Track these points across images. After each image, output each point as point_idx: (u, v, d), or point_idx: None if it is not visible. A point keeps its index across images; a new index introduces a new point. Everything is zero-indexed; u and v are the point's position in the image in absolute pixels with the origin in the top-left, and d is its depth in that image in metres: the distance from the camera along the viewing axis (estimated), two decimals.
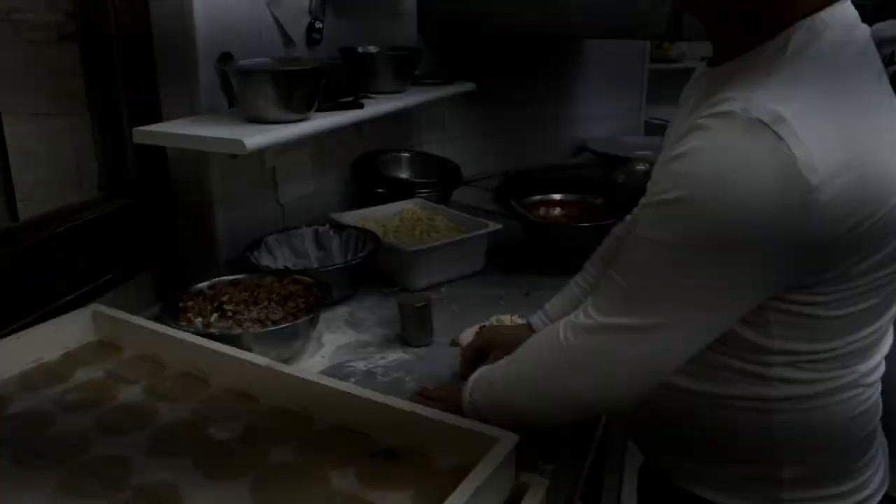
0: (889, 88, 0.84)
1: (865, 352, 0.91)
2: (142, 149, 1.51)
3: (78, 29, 1.51)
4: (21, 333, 1.19)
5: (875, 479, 1.01)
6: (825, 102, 0.76)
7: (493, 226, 1.79)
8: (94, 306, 1.29)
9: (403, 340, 1.44)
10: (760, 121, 0.72)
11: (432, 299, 1.46)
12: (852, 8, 0.84)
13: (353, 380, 1.29)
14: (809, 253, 0.77)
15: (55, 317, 1.25)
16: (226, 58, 1.60)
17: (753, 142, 0.72)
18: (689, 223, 0.77)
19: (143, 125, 1.47)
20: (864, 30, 0.84)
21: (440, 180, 2.24)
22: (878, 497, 1.02)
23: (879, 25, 3.31)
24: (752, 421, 0.92)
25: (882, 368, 0.96)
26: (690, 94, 1.03)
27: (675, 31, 1.98)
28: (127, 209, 1.57)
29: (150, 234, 1.62)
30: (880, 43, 3.41)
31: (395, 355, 1.40)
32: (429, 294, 1.56)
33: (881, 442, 1.04)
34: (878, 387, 0.96)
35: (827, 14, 0.81)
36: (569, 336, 0.91)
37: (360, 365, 1.36)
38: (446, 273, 1.72)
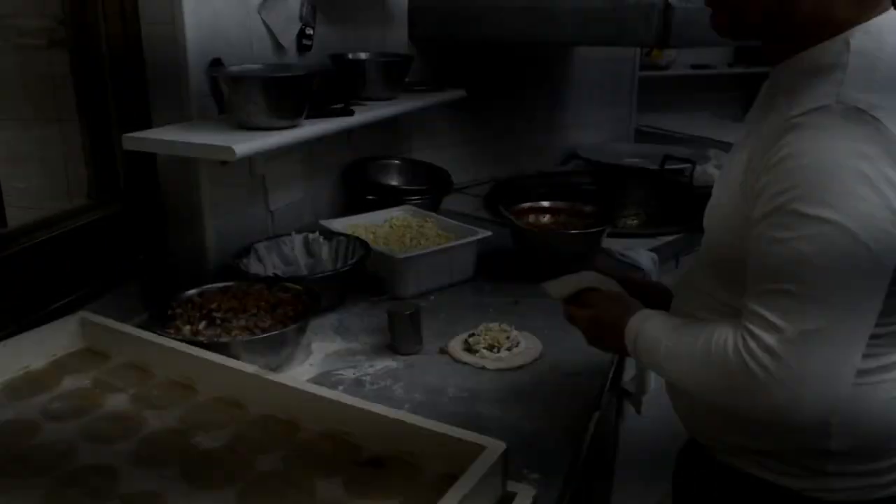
0: None
1: None
2: (131, 155, 1.51)
3: (68, 35, 1.51)
4: (8, 341, 1.19)
5: None
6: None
7: (483, 233, 1.79)
8: (82, 314, 1.28)
9: (392, 348, 1.44)
10: (862, 110, 0.81)
11: (421, 307, 1.46)
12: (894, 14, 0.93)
13: (341, 388, 1.29)
14: None
15: (42, 324, 1.25)
16: (216, 64, 1.60)
17: (852, 129, 0.81)
18: (814, 201, 0.82)
19: (132, 131, 1.47)
20: None
21: (430, 187, 2.24)
22: None
23: None
24: None
25: None
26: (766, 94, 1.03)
27: (664, 39, 1.99)
28: (116, 216, 1.57)
29: (139, 241, 1.62)
30: None
31: (384, 363, 1.40)
32: (418, 302, 1.57)
33: None
34: None
35: (879, 20, 0.90)
36: (759, 360, 0.85)
37: (349, 373, 1.36)
38: (436, 280, 1.72)
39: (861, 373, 0.89)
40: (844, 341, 0.84)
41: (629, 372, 1.74)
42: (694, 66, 3.83)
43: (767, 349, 0.84)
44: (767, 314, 0.85)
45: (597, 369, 1.38)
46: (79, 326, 1.27)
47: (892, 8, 0.94)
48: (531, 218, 1.97)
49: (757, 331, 0.86)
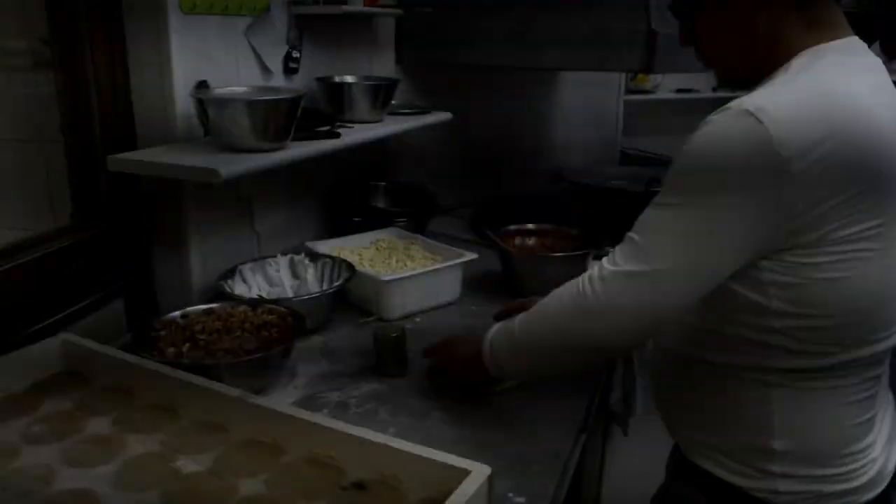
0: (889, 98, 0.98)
1: (862, 338, 0.98)
2: (116, 176, 1.50)
3: (53, 56, 1.51)
4: None
5: (871, 470, 1.04)
6: (806, 97, 0.92)
7: (469, 255, 1.79)
8: (64, 336, 1.27)
9: (378, 370, 1.43)
10: (748, 111, 0.89)
11: (408, 329, 1.46)
12: (857, 41, 1.02)
13: (326, 411, 1.28)
14: (788, 214, 0.90)
15: (23, 346, 1.23)
16: (202, 86, 1.60)
17: (736, 124, 0.90)
18: (687, 184, 0.95)
19: (117, 153, 1.47)
20: (868, 56, 1.02)
21: (416, 209, 2.24)
22: (875, 490, 1.05)
23: None
24: (752, 391, 1.02)
25: (884, 368, 1.04)
26: None
27: (648, 65, 2.01)
28: (99, 237, 1.56)
29: (123, 263, 1.61)
30: None
31: (370, 386, 1.39)
32: (404, 324, 1.56)
33: (885, 435, 1.08)
34: (881, 383, 1.04)
35: (832, 44, 0.99)
36: (587, 286, 1.03)
37: (334, 396, 1.35)
38: (422, 302, 1.72)
39: (803, 372, 0.99)
40: (661, 293, 0.98)
41: (616, 393, 1.74)
42: (679, 91, 3.88)
43: (601, 277, 1.02)
44: (615, 252, 1.02)
45: (583, 391, 1.38)
46: (60, 348, 1.25)
47: (853, 35, 1.02)
48: (517, 240, 1.97)
49: (602, 262, 1.04)
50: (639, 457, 1.21)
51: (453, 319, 1.70)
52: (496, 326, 1.24)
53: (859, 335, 0.98)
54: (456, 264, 1.77)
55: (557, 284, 1.32)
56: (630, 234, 1.01)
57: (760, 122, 0.88)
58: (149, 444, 1.05)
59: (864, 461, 1.04)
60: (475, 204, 2.58)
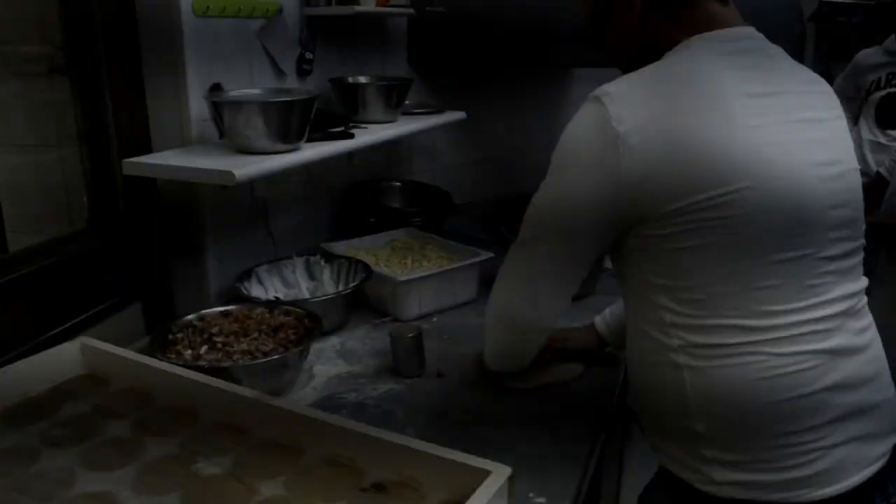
0: (763, 86, 1.01)
1: (751, 309, 0.97)
2: (132, 180, 1.51)
3: (69, 62, 1.52)
4: (8, 367, 1.18)
5: (825, 459, 0.98)
6: (649, 85, 1.00)
7: (485, 254, 1.79)
8: (82, 339, 1.27)
9: (395, 371, 1.43)
10: (596, 96, 1.01)
11: (424, 329, 1.45)
12: (739, 30, 1.06)
13: (344, 411, 1.28)
14: (627, 187, 0.97)
15: (43, 350, 1.23)
16: (216, 89, 1.60)
17: (587, 107, 1.02)
18: (553, 162, 1.08)
19: (133, 156, 1.47)
20: (745, 41, 1.06)
21: (431, 209, 2.24)
22: (839, 483, 0.98)
23: (863, 53, 3.36)
24: (669, 377, 1.03)
25: (799, 347, 0.98)
26: None
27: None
28: (116, 241, 1.56)
29: (140, 266, 1.61)
30: (864, 69, 3.44)
31: (387, 386, 1.39)
32: (420, 324, 1.56)
33: (844, 429, 1.00)
34: (798, 361, 0.98)
35: (706, 34, 1.04)
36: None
37: (352, 396, 1.35)
38: (438, 302, 1.72)
39: (702, 347, 0.99)
40: (538, 257, 1.12)
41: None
42: None
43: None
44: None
45: (602, 391, 1.37)
46: (79, 352, 1.26)
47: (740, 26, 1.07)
48: None
49: None
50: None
51: (470, 319, 1.69)
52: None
53: (747, 306, 0.97)
54: (472, 263, 1.77)
55: None
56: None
57: (602, 103, 0.99)
58: (168, 446, 1.05)
59: (808, 447, 0.98)
60: (490, 202, 2.58)
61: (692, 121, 0.96)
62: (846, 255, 1.03)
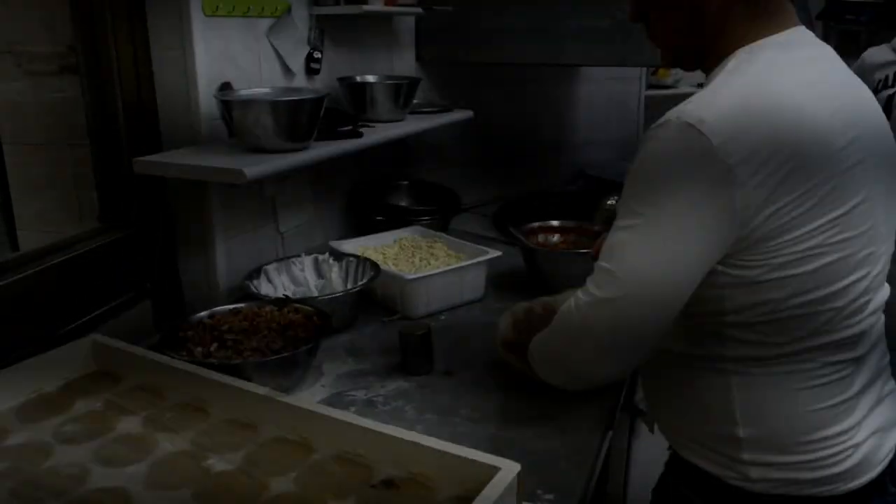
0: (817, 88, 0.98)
1: (818, 328, 0.99)
2: (142, 179, 1.52)
3: (79, 61, 1.53)
4: (20, 364, 1.19)
5: (853, 457, 1.02)
6: (741, 102, 0.93)
7: (493, 253, 1.79)
8: (94, 336, 1.29)
9: (404, 369, 1.43)
10: (688, 124, 0.91)
11: (432, 327, 1.46)
12: (800, 32, 1.03)
13: (353, 409, 1.29)
14: (741, 218, 0.91)
15: (55, 347, 1.25)
16: (226, 88, 1.61)
17: (681, 138, 0.92)
18: (642, 203, 0.96)
19: (143, 155, 1.48)
20: (808, 46, 1.04)
21: (439, 208, 2.25)
22: (862, 478, 1.03)
23: (870, 51, 3.35)
24: (713, 380, 1.04)
25: (863, 350, 1.03)
26: None
27: None
28: (127, 239, 1.57)
29: (150, 264, 1.62)
30: (872, 68, 3.44)
31: (396, 384, 1.39)
32: (429, 322, 1.56)
33: (875, 421, 1.06)
34: (860, 367, 1.03)
35: (771, 38, 1.00)
36: (572, 310, 1.04)
37: (361, 394, 1.35)
38: (446, 301, 1.72)
39: (757, 360, 1.01)
40: (636, 316, 0.98)
41: (642, 390, 1.73)
42: (700, 85, 3.83)
43: (579, 306, 1.02)
44: (590, 281, 1.02)
45: (610, 388, 1.37)
46: (90, 349, 1.27)
47: (797, 26, 1.04)
48: (541, 237, 1.97)
49: (580, 293, 1.03)
50: (664, 454, 1.20)
51: (478, 317, 1.70)
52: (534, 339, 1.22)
53: (814, 326, 0.99)
54: (480, 262, 1.77)
55: (581, 281, 1.32)
56: (598, 262, 1.01)
57: (702, 133, 0.90)
58: (179, 443, 1.06)
59: (841, 447, 1.02)
60: (498, 201, 2.58)
61: (799, 148, 0.92)
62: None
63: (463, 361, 1.46)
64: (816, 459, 1.02)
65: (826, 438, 1.02)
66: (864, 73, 3.32)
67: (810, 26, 1.11)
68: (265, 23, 1.74)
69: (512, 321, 1.39)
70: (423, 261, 1.83)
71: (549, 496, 1.06)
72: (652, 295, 0.97)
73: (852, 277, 0.98)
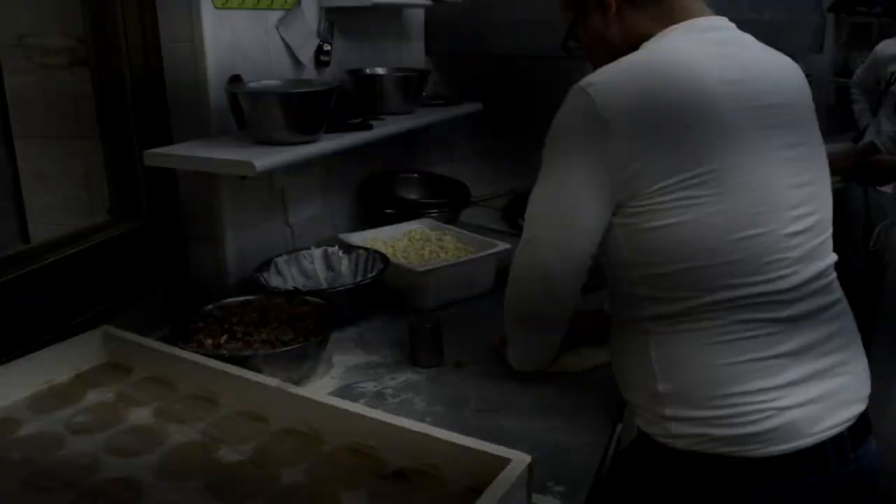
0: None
1: (716, 283, 1.03)
2: (152, 171, 1.52)
3: (90, 54, 1.53)
4: (32, 355, 1.20)
5: (772, 419, 1.02)
6: (630, 74, 1.05)
7: (502, 245, 1.79)
8: (105, 328, 1.29)
9: (413, 361, 1.43)
10: (581, 88, 1.05)
11: (442, 320, 1.46)
12: (711, 20, 1.13)
13: (363, 401, 1.29)
14: (615, 166, 1.02)
15: (66, 339, 1.25)
16: (235, 80, 1.61)
17: (574, 98, 1.07)
18: (545, 157, 1.12)
19: (153, 148, 1.48)
20: (717, 31, 1.12)
21: (448, 200, 2.24)
22: (788, 444, 1.02)
23: (884, 43, 3.32)
24: (637, 340, 1.11)
25: (754, 314, 1.05)
26: None
27: None
28: (137, 231, 1.58)
29: (160, 256, 1.63)
30: (885, 60, 3.41)
31: (405, 376, 1.39)
32: (438, 314, 1.56)
33: (814, 389, 1.05)
34: (753, 328, 1.04)
35: (680, 25, 1.10)
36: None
37: (370, 386, 1.36)
38: (455, 293, 1.72)
39: (668, 317, 1.06)
40: (542, 257, 1.14)
41: None
42: None
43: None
44: None
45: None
46: (102, 341, 1.27)
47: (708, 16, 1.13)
48: None
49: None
50: None
51: (487, 310, 1.69)
52: None
53: (711, 280, 1.03)
54: (489, 255, 1.77)
55: (589, 272, 1.33)
56: None
57: (588, 94, 1.03)
58: (190, 433, 1.07)
59: (758, 406, 1.02)
60: (507, 194, 2.58)
61: (674, 106, 1.02)
62: (807, 230, 1.07)
63: (472, 354, 1.46)
64: (730, 416, 1.03)
65: (741, 394, 1.02)
66: (876, 66, 3.30)
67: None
68: (275, 15, 1.74)
69: None
70: (433, 253, 1.83)
71: (560, 488, 1.06)
72: (553, 236, 1.13)
73: (742, 234, 1.02)
